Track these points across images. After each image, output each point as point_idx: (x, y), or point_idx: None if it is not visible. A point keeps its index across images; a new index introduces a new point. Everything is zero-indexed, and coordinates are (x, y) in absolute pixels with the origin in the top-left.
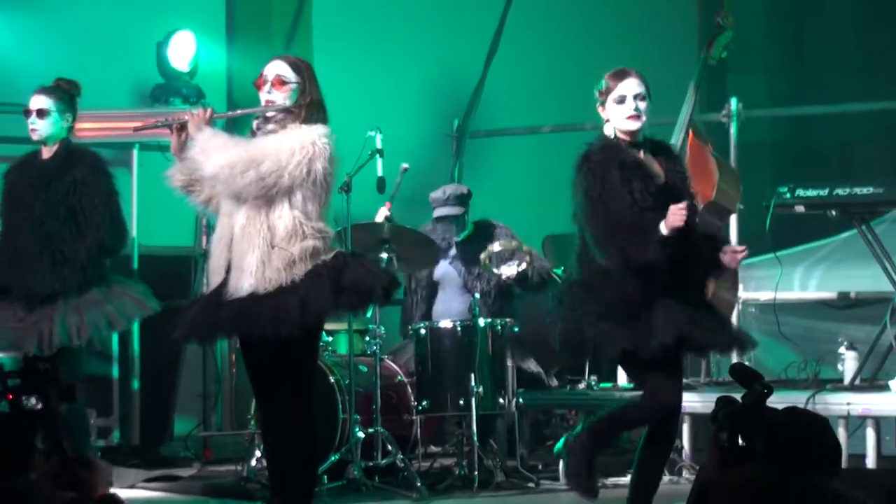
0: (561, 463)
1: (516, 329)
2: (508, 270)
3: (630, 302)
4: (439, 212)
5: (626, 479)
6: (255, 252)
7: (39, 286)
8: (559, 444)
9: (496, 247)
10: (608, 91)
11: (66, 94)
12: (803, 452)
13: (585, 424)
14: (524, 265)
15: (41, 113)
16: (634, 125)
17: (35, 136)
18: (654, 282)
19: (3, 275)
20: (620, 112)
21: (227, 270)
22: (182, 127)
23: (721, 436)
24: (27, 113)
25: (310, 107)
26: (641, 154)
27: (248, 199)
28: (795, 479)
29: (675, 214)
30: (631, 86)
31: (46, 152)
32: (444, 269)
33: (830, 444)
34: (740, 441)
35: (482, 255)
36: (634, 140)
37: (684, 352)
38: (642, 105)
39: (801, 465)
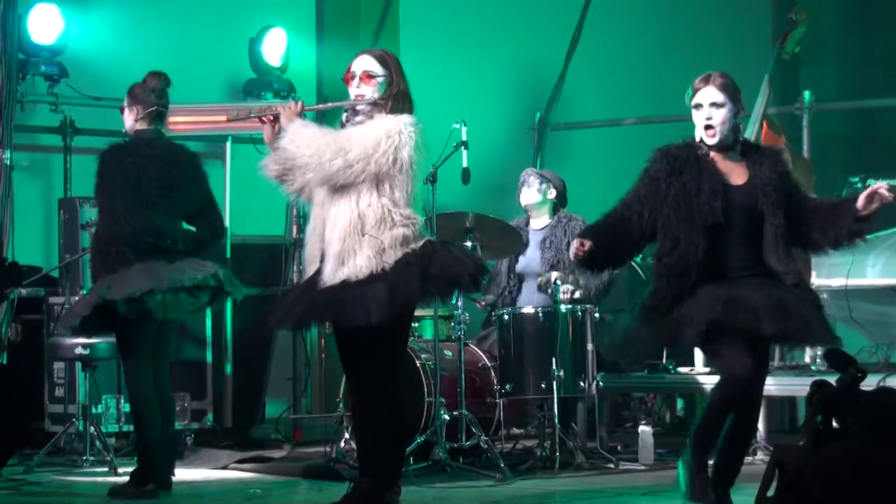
0: (681, 480)
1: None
2: (564, 295)
3: (656, 297)
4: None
5: None
6: (346, 241)
7: None
8: (680, 472)
9: (552, 276)
10: (691, 97)
11: (133, 90)
12: (894, 428)
13: (690, 436)
14: (577, 293)
15: (121, 110)
16: (710, 139)
17: None
18: (678, 275)
19: None
20: (697, 120)
21: (322, 259)
22: (275, 118)
23: (816, 418)
24: None
25: (396, 97)
26: (716, 155)
27: (336, 187)
28: (888, 455)
29: None
30: (707, 94)
31: None
32: (526, 261)
33: None
34: (834, 423)
35: (540, 279)
36: (722, 144)
37: (730, 334)
38: (717, 113)
39: (892, 440)
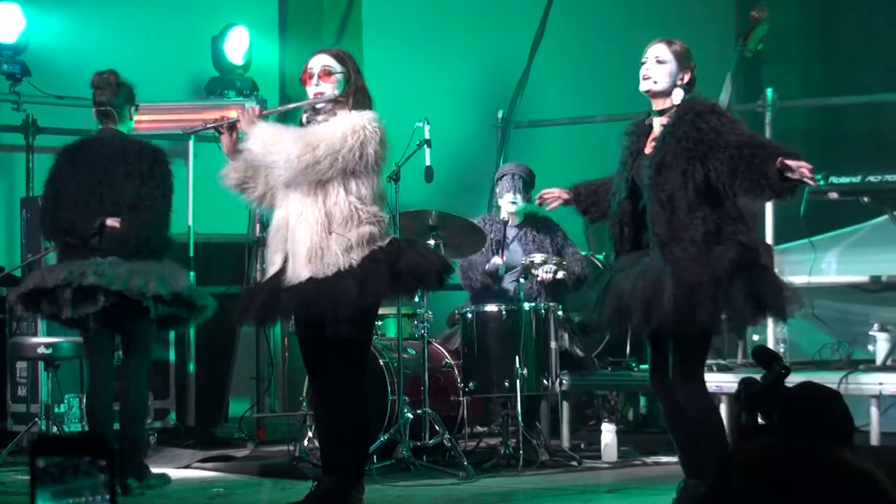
0: None
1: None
2: (547, 276)
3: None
4: (506, 170)
5: (668, 458)
6: (313, 239)
7: None
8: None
9: (537, 258)
10: (644, 56)
11: None
12: (815, 424)
13: None
14: (561, 274)
15: None
16: (643, 86)
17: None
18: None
19: None
20: (640, 73)
21: (285, 260)
22: (231, 127)
23: (743, 415)
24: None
25: (356, 94)
26: (653, 120)
27: (303, 185)
28: (807, 449)
29: None
30: (654, 50)
31: None
32: (509, 254)
33: (841, 416)
34: (760, 419)
35: (524, 261)
36: (658, 108)
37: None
38: (657, 68)
39: (812, 435)
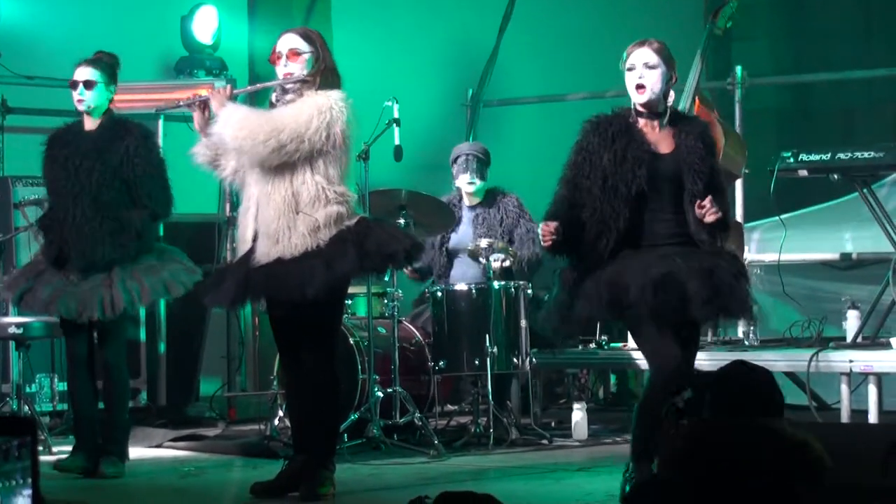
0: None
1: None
2: (495, 264)
3: (568, 277)
4: (461, 151)
5: None
6: (280, 219)
7: (98, 254)
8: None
9: (483, 242)
10: (625, 60)
11: (109, 66)
12: (746, 399)
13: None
14: (507, 262)
15: (88, 84)
16: (640, 97)
17: (82, 107)
18: (595, 238)
19: (57, 243)
20: (629, 81)
21: (254, 239)
22: (204, 105)
23: (677, 395)
24: (74, 84)
25: (325, 73)
26: (645, 123)
27: (271, 168)
28: (739, 422)
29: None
30: (641, 55)
31: (90, 123)
32: (458, 237)
33: (770, 391)
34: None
35: (469, 247)
36: (652, 111)
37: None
38: (650, 74)
39: (742, 410)
